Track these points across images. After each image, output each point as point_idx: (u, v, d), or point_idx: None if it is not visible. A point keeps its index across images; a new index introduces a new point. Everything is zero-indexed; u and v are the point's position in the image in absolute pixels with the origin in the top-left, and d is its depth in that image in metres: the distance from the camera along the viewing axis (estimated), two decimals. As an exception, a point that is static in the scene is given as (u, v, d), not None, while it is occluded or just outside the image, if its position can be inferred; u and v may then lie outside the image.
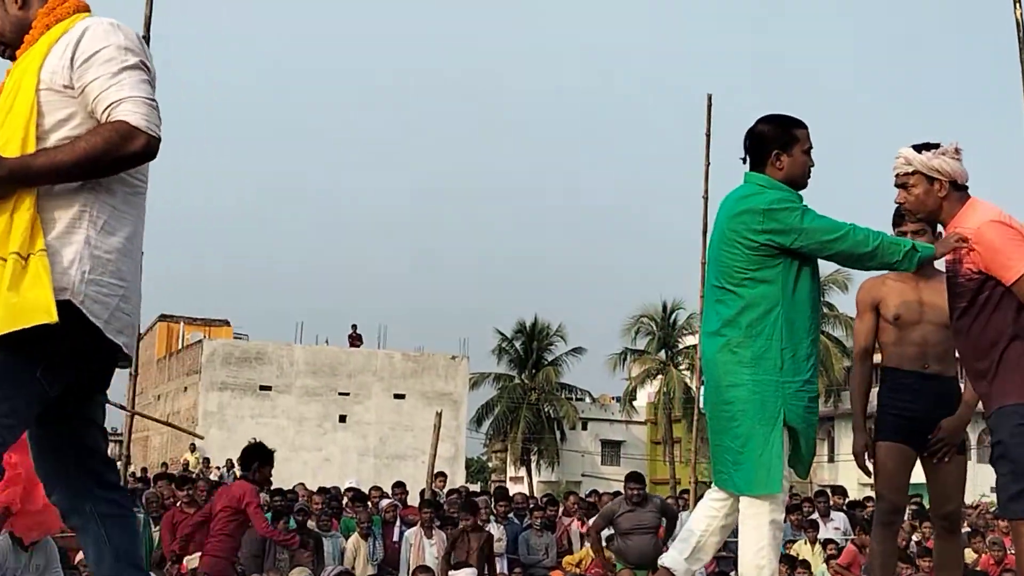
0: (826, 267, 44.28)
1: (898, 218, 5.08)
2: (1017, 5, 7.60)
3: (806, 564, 11.71)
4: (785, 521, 13.97)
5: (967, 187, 4.46)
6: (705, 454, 40.67)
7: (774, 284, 4.35)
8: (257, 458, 9.10)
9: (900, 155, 4.49)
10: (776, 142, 4.51)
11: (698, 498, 14.14)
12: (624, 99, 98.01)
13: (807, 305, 4.39)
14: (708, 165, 13.76)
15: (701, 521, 4.56)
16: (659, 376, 46.13)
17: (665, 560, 4.62)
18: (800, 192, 4.53)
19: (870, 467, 5.11)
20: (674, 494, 21.78)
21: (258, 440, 9.69)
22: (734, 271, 4.43)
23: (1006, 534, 13.07)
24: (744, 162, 4.66)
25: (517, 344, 50.00)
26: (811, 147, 4.56)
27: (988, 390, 4.34)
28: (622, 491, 11.13)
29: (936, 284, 5.03)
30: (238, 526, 9.01)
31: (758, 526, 4.36)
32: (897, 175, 4.49)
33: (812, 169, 4.59)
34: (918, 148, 4.46)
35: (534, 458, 49.67)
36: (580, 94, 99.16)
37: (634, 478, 10.88)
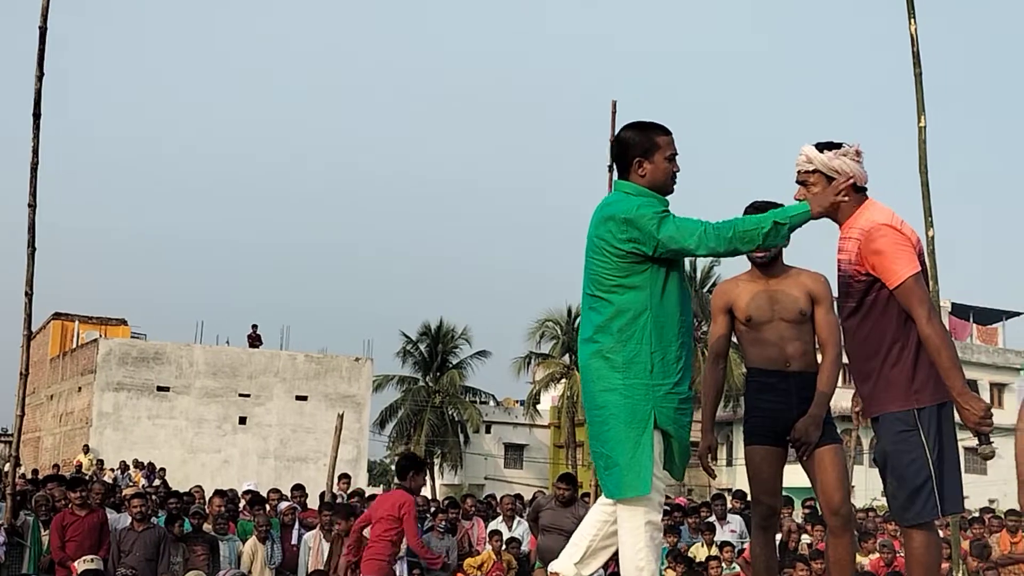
0: (727, 273, 45.01)
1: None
2: (911, 20, 7.76)
3: (703, 565, 11.84)
4: (682, 524, 14.21)
5: (866, 189, 4.53)
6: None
7: (642, 290, 4.37)
8: (412, 467, 9.60)
9: (802, 153, 4.56)
10: (638, 149, 4.50)
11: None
12: (531, 105, 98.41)
13: (676, 309, 4.40)
14: (611, 171, 13.84)
15: (591, 527, 4.56)
16: (563, 380, 46.33)
17: (555, 566, 4.62)
18: (667, 198, 4.53)
19: (713, 469, 5.18)
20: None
21: (410, 451, 10.11)
22: (603, 278, 4.44)
23: (895, 537, 13.36)
24: (610, 170, 4.76)
25: (422, 346, 49.84)
26: (675, 153, 4.54)
27: (871, 393, 4.44)
28: (522, 494, 11.14)
29: (787, 280, 5.13)
30: (398, 533, 9.38)
31: (634, 528, 4.37)
32: (799, 172, 4.57)
33: (677, 175, 4.57)
34: (820, 147, 4.53)
35: (437, 461, 49.55)
36: (491, 95, 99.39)
37: (565, 479, 10.89)
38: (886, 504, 4.73)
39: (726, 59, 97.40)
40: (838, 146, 4.51)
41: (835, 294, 5.01)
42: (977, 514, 16.41)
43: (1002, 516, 15.12)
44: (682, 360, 4.39)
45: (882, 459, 4.40)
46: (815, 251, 5.22)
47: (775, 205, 4.85)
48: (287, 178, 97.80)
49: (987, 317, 48.61)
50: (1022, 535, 13.47)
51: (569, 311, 45.90)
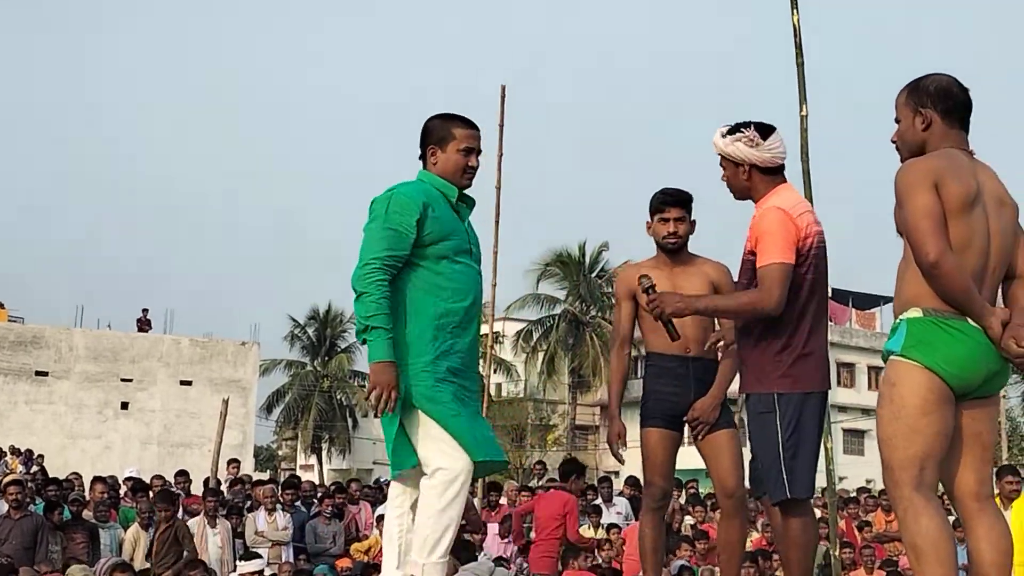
0: (616, 258, 45.37)
1: (660, 204, 5.26)
2: (794, 11, 7.90)
3: (591, 548, 11.96)
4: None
5: (778, 169, 4.67)
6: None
7: (413, 276, 4.43)
8: (574, 472, 11.21)
9: (712, 140, 4.74)
10: (433, 137, 4.59)
11: (487, 485, 14.33)
12: (418, 88, 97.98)
13: (435, 288, 4.44)
14: (501, 155, 13.87)
15: (392, 524, 4.56)
16: (452, 364, 46.31)
17: None
18: (461, 191, 4.60)
19: (622, 454, 5.24)
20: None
21: (572, 456, 11.08)
22: None
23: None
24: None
25: (310, 331, 49.40)
26: (472, 148, 4.59)
27: (743, 371, 4.64)
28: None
29: (691, 268, 5.24)
30: (562, 529, 10.60)
31: (424, 506, 4.39)
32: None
33: (473, 170, 4.61)
34: (727, 131, 4.65)
35: (325, 446, 49.19)
36: (379, 83, 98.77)
37: None
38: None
39: (614, 44, 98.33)
40: (743, 127, 4.61)
41: None
42: (854, 494, 16.89)
43: (877, 496, 15.59)
44: (439, 339, 4.41)
45: (749, 437, 4.60)
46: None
47: (685, 193, 5.16)
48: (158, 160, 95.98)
49: (865, 302, 49.88)
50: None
51: (459, 295, 45.97)
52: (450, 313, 4.43)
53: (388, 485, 13.19)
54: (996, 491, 8.39)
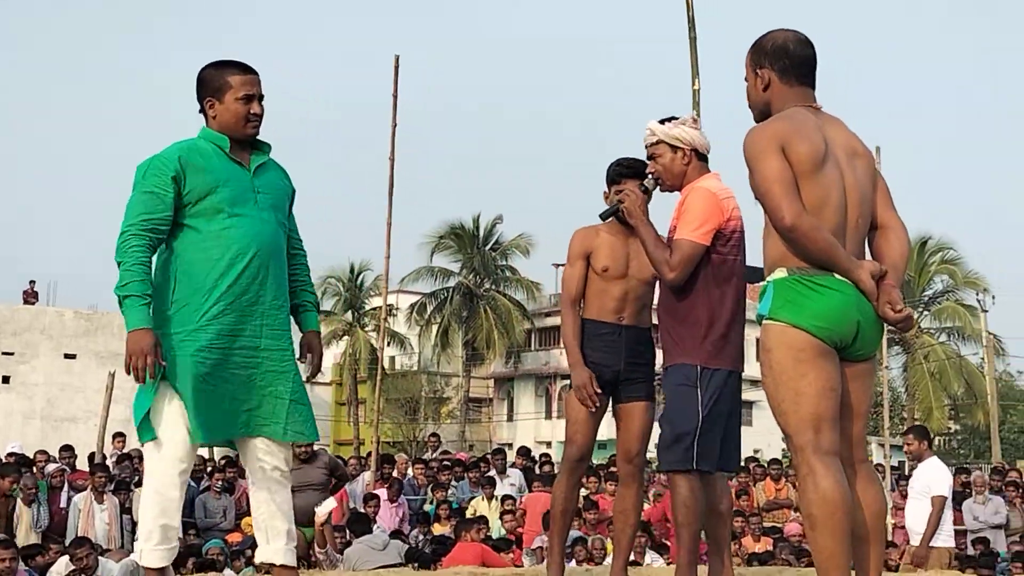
0: (510, 231, 45.47)
1: (615, 176, 5.24)
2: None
3: (483, 520, 12.03)
4: (462, 479, 14.37)
5: (707, 159, 4.86)
6: (389, 414, 40.56)
7: (179, 240, 4.28)
8: None
9: (647, 127, 4.85)
10: (208, 89, 4.37)
11: (380, 458, 14.31)
12: (313, 57, 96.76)
13: (204, 249, 4.25)
14: (395, 126, 13.77)
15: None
16: (345, 337, 46.07)
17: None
18: (248, 140, 4.41)
19: (591, 400, 5.20)
20: (358, 454, 21.83)
21: None
22: None
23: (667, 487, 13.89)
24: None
25: (199, 303, 48.57)
26: (251, 95, 4.35)
27: (667, 344, 4.77)
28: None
29: None
30: None
31: (151, 481, 4.32)
32: (647, 146, 4.86)
33: (257, 117, 4.37)
34: (662, 121, 4.85)
35: (215, 420, 48.49)
36: (284, 51, 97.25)
37: None
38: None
39: (511, 17, 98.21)
40: (676, 118, 4.84)
41: None
42: (743, 463, 17.25)
43: (765, 465, 15.93)
44: (207, 306, 4.22)
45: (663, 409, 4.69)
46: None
47: (643, 163, 5.09)
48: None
49: (752, 275, 50.80)
50: (784, 482, 14.22)
51: (352, 268, 45.61)
52: (221, 276, 4.23)
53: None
54: None
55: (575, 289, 5.24)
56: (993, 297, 37.93)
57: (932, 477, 9.15)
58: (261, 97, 4.40)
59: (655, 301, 5.09)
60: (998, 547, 12.03)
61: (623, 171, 5.18)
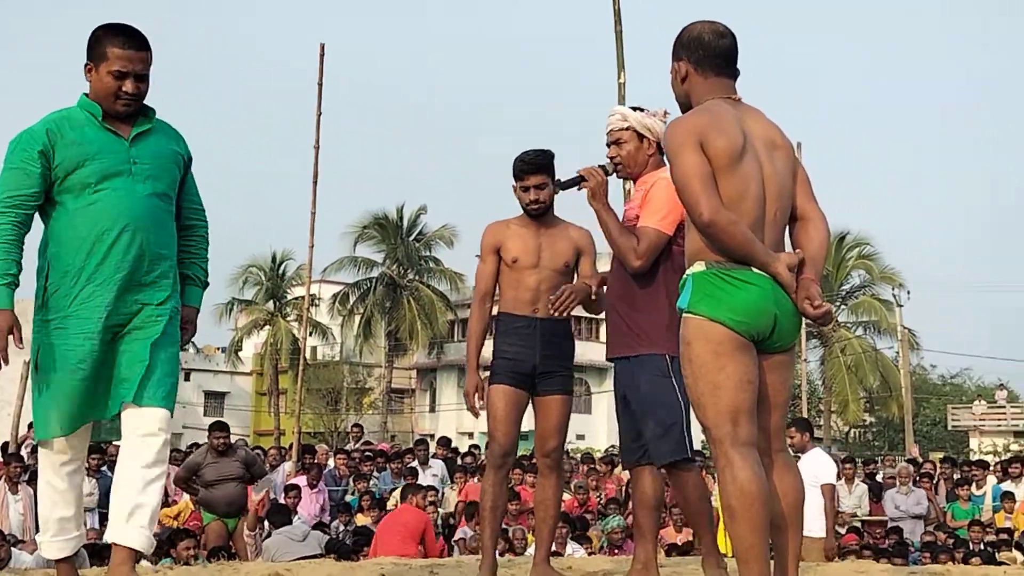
0: (434, 222, 45.42)
1: (520, 173, 5.21)
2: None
3: (432, 488, 12.01)
4: (384, 470, 14.34)
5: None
6: (310, 405, 40.16)
7: (51, 219, 4.15)
8: None
9: (616, 112, 4.82)
10: (91, 52, 4.13)
11: (301, 448, 14.21)
12: (239, 45, 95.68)
13: (70, 227, 4.09)
14: (320, 115, 13.68)
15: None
16: (267, 327, 45.65)
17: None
18: (117, 113, 4.15)
19: (479, 408, 5.23)
20: (278, 445, 21.66)
21: None
22: None
23: (588, 476, 13.96)
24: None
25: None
26: (125, 72, 4.07)
27: (629, 332, 4.72)
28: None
29: (556, 231, 5.23)
30: None
31: (41, 474, 4.25)
32: (611, 131, 4.81)
33: (128, 96, 4.10)
34: (632, 109, 4.84)
35: (132, 410, 47.75)
36: (197, 41, 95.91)
37: (219, 427, 10.68)
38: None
39: (435, 9, 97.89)
40: (644, 109, 4.83)
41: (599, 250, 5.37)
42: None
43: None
44: (73, 289, 4.07)
45: (635, 399, 4.65)
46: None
47: (546, 157, 5.13)
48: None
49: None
50: (705, 474, 14.36)
51: (274, 257, 45.17)
52: (88, 256, 4.04)
53: (195, 449, 12.93)
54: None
55: (485, 284, 5.25)
56: (908, 292, 38.62)
57: (818, 467, 9.23)
58: (140, 75, 4.11)
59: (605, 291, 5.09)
60: (914, 537, 12.29)
61: (527, 167, 5.16)
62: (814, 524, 8.95)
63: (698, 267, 3.63)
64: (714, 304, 3.57)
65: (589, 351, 47.48)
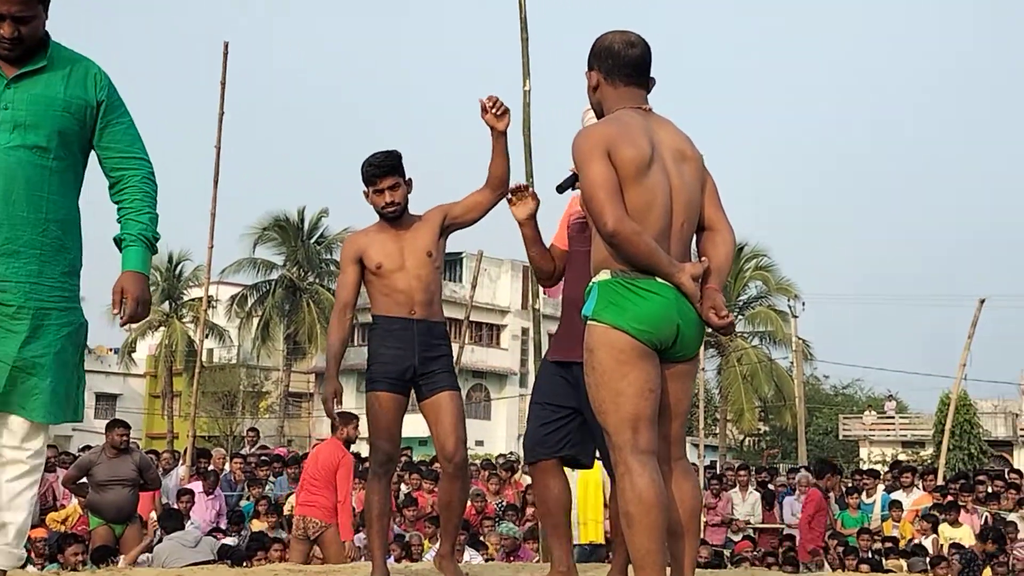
0: (335, 225, 44.95)
1: (371, 177, 5.13)
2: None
3: (357, 418, 11.85)
4: (280, 475, 14.14)
5: None
6: (205, 408, 39.49)
7: None
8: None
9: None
10: None
11: (196, 452, 13.97)
12: (135, 45, 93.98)
13: None
14: (222, 115, 13.47)
15: None
16: (161, 328, 44.88)
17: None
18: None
19: (335, 414, 5.17)
20: (171, 449, 21.28)
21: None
22: None
23: (488, 481, 13.96)
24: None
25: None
26: (4, 14, 3.59)
27: (571, 332, 4.49)
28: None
29: (415, 229, 5.17)
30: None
31: None
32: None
33: (7, 40, 3.62)
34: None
35: (21, 411, 46.58)
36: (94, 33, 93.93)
37: (120, 424, 10.40)
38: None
39: (341, 9, 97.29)
40: None
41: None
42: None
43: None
44: None
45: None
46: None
47: (394, 157, 5.09)
48: None
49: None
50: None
51: (170, 257, 44.41)
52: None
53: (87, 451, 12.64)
54: None
55: (346, 295, 5.19)
56: (803, 303, 39.43)
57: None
58: (20, 18, 3.59)
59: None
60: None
61: (378, 171, 5.11)
62: None
63: (603, 275, 3.64)
64: (618, 313, 3.58)
65: (491, 357, 47.63)
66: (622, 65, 3.78)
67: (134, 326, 43.39)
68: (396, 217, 5.16)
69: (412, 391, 5.16)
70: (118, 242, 3.84)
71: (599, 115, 3.87)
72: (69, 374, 3.73)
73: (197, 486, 12.45)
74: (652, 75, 3.87)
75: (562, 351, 4.63)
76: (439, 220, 5.22)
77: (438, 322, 5.19)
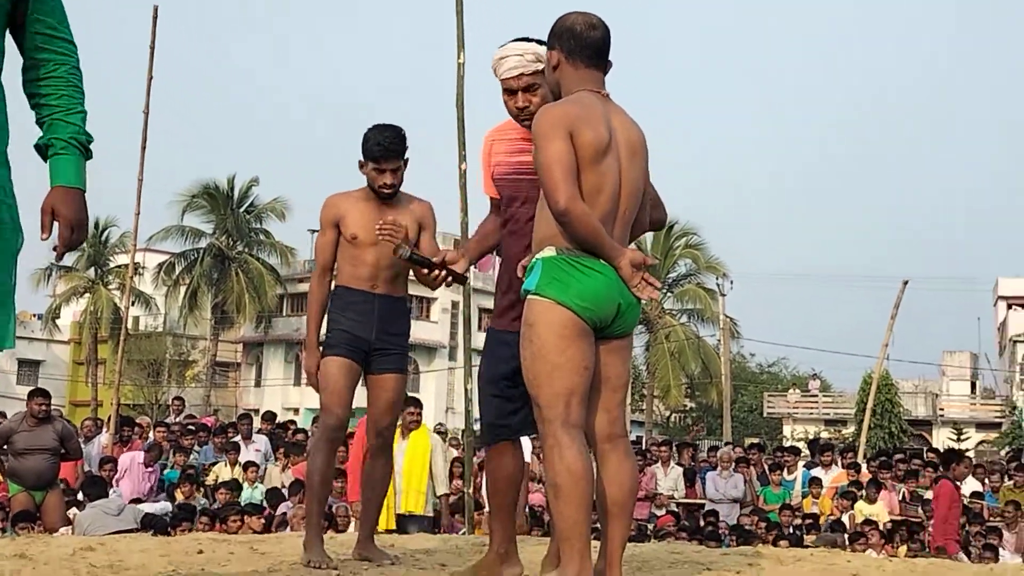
0: (266, 194, 44.72)
1: (379, 156, 5.02)
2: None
3: (228, 485, 11.80)
4: (206, 444, 14.05)
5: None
6: (131, 376, 39.09)
7: None
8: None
9: (529, 51, 4.14)
10: None
11: (120, 420, 13.80)
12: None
13: None
14: (151, 79, 13.26)
15: None
16: (87, 294, 44.22)
17: None
18: None
19: (316, 386, 5.13)
20: (95, 416, 21.00)
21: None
22: None
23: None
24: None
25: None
26: None
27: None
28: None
29: (398, 208, 5.13)
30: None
31: None
32: (521, 75, 4.16)
33: None
34: (540, 43, 4.14)
35: (-61, 377, 45.81)
36: None
37: (40, 393, 10.25)
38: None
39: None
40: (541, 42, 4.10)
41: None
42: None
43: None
44: None
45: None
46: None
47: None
48: None
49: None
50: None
51: (96, 223, 43.68)
52: None
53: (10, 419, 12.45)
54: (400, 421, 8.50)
55: (325, 258, 5.15)
56: (732, 282, 39.84)
57: None
58: None
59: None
60: (731, 520, 12.70)
61: (387, 153, 5.00)
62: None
63: (548, 252, 3.70)
64: (562, 289, 3.64)
65: (420, 330, 47.49)
66: (583, 47, 3.81)
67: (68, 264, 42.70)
68: (389, 197, 5.13)
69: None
70: (42, 149, 3.14)
71: (557, 95, 3.90)
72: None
73: (138, 456, 12.29)
74: (610, 59, 3.90)
75: (507, 321, 4.30)
76: (423, 221, 5.16)
77: (400, 297, 5.18)
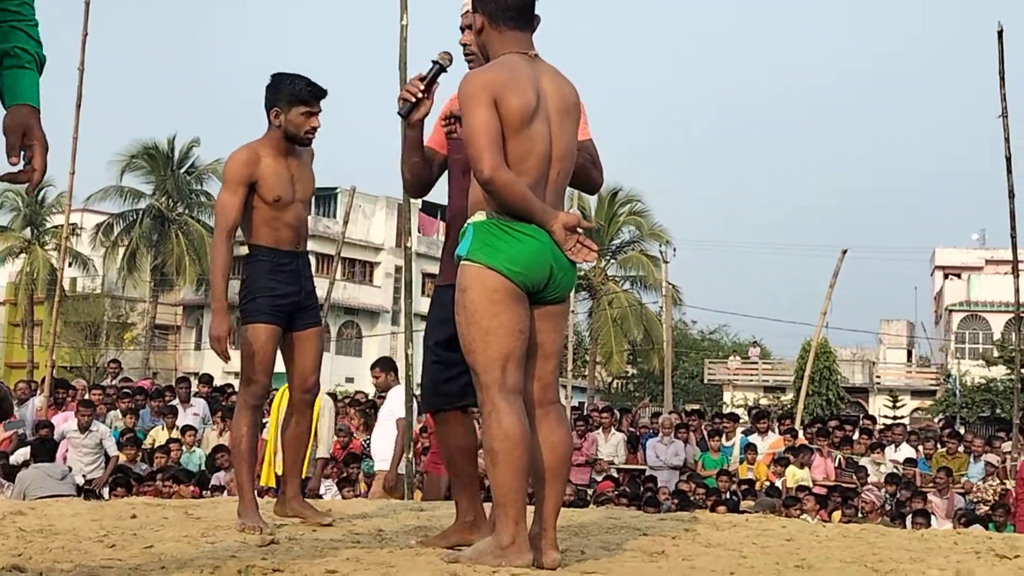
0: (207, 155, 44.19)
1: (308, 97, 4.97)
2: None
3: (165, 449, 11.72)
4: (144, 407, 13.91)
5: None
6: (68, 338, 38.62)
7: None
8: None
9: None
10: None
11: (55, 382, 13.61)
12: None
13: None
14: (86, 35, 12.99)
15: None
16: (22, 255, 43.53)
17: None
18: None
19: (231, 352, 5.07)
20: (29, 379, 20.71)
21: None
22: None
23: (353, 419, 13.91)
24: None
25: None
26: None
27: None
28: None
29: (304, 166, 5.10)
30: None
31: None
32: (466, 13, 4.20)
33: None
34: None
35: None
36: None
37: None
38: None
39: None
40: None
41: None
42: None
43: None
44: None
45: None
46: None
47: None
48: None
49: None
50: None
51: (33, 182, 42.92)
52: None
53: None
54: None
55: (232, 218, 4.96)
56: (675, 249, 40.06)
57: (396, 404, 9.38)
58: None
59: None
60: (670, 486, 12.82)
61: (316, 91, 4.95)
62: (388, 455, 9.30)
63: (479, 216, 3.67)
64: (493, 253, 3.61)
65: (362, 294, 47.37)
66: (505, 8, 3.76)
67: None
68: (309, 143, 5.07)
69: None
70: None
71: (484, 59, 3.85)
72: None
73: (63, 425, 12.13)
74: (537, 13, 3.84)
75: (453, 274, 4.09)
76: (311, 160, 5.18)
77: (306, 253, 5.19)
